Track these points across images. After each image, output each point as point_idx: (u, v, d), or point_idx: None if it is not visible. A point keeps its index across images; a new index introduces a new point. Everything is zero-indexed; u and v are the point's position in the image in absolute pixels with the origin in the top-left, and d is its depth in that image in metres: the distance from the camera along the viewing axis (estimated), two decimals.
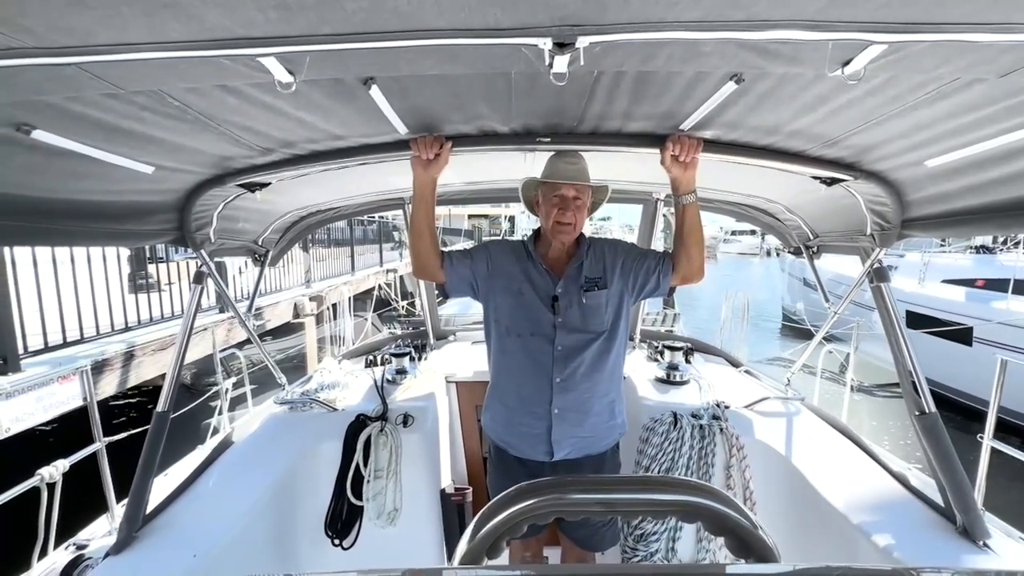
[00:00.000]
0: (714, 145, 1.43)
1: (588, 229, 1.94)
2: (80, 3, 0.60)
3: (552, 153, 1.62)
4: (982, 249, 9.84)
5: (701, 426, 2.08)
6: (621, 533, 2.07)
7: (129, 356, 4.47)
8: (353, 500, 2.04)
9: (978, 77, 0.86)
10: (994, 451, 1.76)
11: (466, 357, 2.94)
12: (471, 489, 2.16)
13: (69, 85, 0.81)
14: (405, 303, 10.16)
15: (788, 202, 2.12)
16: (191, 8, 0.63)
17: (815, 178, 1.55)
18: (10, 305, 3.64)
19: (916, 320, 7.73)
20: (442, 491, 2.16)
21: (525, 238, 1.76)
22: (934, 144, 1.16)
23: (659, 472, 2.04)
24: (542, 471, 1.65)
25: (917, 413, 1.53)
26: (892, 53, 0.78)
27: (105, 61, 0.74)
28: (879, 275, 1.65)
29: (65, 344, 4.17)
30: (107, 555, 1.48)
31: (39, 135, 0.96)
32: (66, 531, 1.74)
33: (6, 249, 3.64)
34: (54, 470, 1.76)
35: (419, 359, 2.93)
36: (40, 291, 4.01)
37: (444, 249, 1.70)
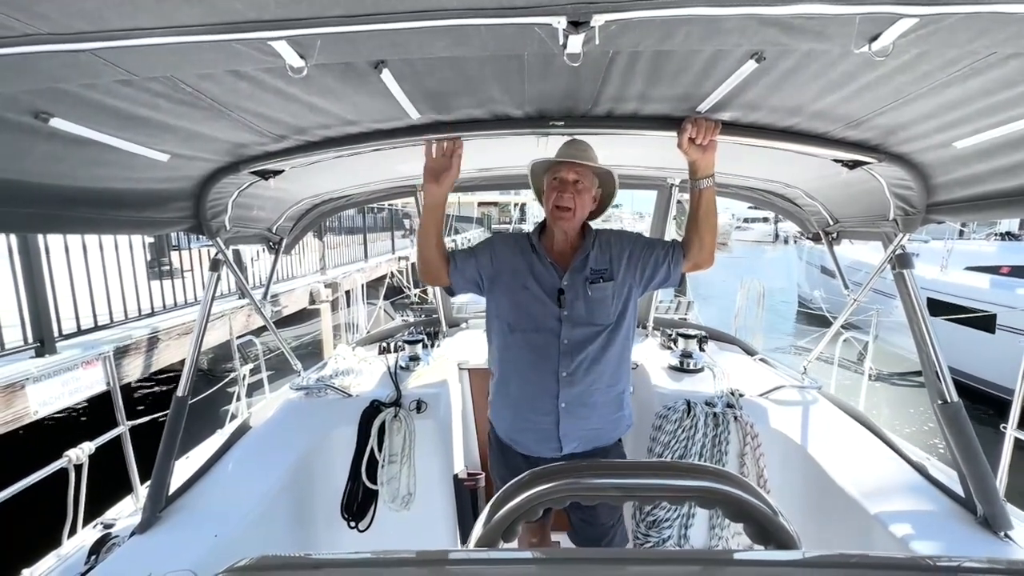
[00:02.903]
0: (733, 127, 1.39)
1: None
2: None
3: (565, 141, 1.59)
4: (1007, 236, 9.54)
5: (715, 414, 2.06)
6: (633, 520, 2.08)
7: (153, 341, 4.60)
8: (368, 484, 2.08)
9: (1015, 52, 0.82)
10: (1018, 442, 1.72)
11: (478, 345, 2.95)
12: (484, 475, 2.19)
13: (84, 72, 0.82)
14: (417, 291, 10.22)
15: (808, 187, 2.07)
16: None
17: (837, 161, 1.50)
18: (46, 290, 3.78)
19: (937, 307, 7.56)
20: (455, 476, 2.19)
21: (530, 230, 1.74)
22: (964, 124, 1.11)
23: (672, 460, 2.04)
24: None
25: (939, 402, 1.50)
26: (923, 27, 0.74)
27: (118, 47, 0.74)
28: (902, 261, 1.60)
29: (96, 328, 4.31)
30: (133, 534, 1.53)
31: (57, 123, 0.97)
32: (93, 511, 1.81)
33: (40, 236, 3.76)
34: (80, 452, 1.83)
35: (432, 346, 2.95)
36: (72, 277, 4.15)
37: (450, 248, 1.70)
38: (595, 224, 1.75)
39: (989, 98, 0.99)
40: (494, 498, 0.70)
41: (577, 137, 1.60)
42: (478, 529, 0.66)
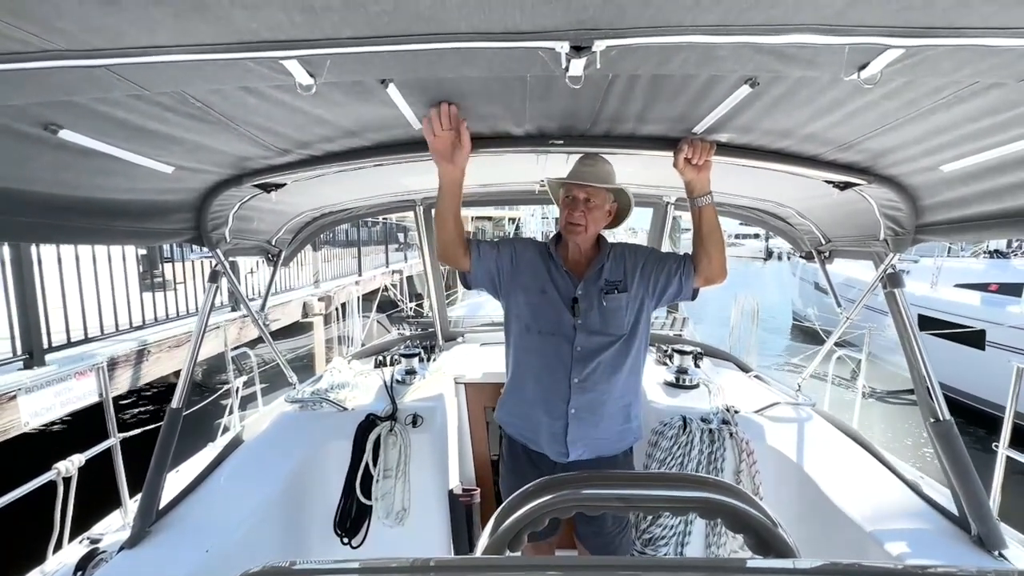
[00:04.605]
0: (727, 148, 1.43)
1: None
2: (112, 4, 0.61)
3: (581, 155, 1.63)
4: (996, 254, 9.72)
5: (710, 430, 2.07)
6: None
7: (146, 353, 4.55)
8: (362, 499, 2.06)
9: (996, 81, 0.86)
10: (1010, 460, 1.74)
11: (475, 359, 2.95)
12: (479, 490, 2.17)
13: (98, 86, 0.83)
14: (413, 304, 10.20)
15: (800, 206, 2.11)
16: (219, 10, 0.64)
17: (828, 182, 1.54)
18: (37, 302, 3.75)
19: (928, 324, 7.65)
20: (450, 492, 2.17)
21: (548, 239, 1.77)
22: (950, 149, 1.15)
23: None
24: (555, 472, 1.65)
25: (931, 420, 1.52)
26: (909, 57, 0.77)
27: (133, 63, 0.76)
28: (893, 280, 1.63)
29: (86, 340, 4.27)
30: (121, 549, 1.50)
31: (65, 134, 0.98)
32: (80, 525, 1.77)
33: (33, 248, 3.73)
34: (70, 464, 1.79)
35: (428, 360, 2.94)
36: (64, 288, 4.12)
37: (473, 238, 1.68)
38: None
39: (973, 124, 1.02)
40: (499, 508, 0.70)
41: (573, 153, 1.62)
42: (484, 539, 0.67)
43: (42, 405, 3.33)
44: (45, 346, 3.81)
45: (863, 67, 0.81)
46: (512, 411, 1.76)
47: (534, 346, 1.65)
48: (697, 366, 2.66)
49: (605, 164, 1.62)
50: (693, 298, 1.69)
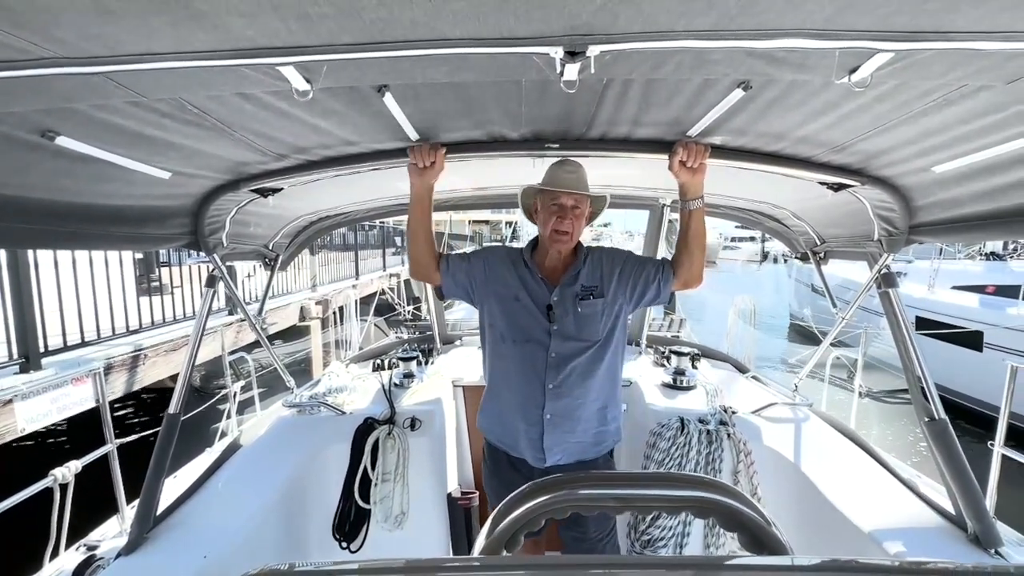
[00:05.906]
0: (722, 151, 1.44)
1: (588, 235, 1.95)
2: (110, 13, 0.62)
3: (552, 161, 1.63)
4: (992, 256, 9.77)
5: (708, 431, 2.07)
6: (628, 538, 2.06)
7: (142, 357, 4.53)
8: (361, 503, 2.06)
9: (985, 84, 0.87)
10: (1006, 459, 1.75)
11: (473, 362, 2.95)
12: (478, 493, 2.17)
13: (96, 93, 0.84)
14: (411, 307, 10.20)
15: (795, 208, 2.13)
16: (216, 18, 0.64)
17: (822, 184, 1.55)
18: (33, 306, 3.74)
19: (926, 326, 7.68)
20: (449, 495, 2.17)
21: (523, 246, 1.76)
22: (942, 150, 1.17)
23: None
24: (535, 475, 1.65)
25: (926, 419, 1.53)
26: (898, 61, 0.79)
27: (131, 70, 0.77)
28: (887, 280, 1.64)
29: (83, 344, 4.25)
30: (118, 556, 1.49)
31: (63, 141, 0.98)
32: (77, 532, 1.76)
33: (30, 252, 3.72)
34: (67, 471, 1.78)
35: (426, 363, 2.94)
36: (60, 292, 4.11)
37: (444, 252, 1.71)
38: (585, 243, 1.77)
39: (964, 126, 1.04)
40: (496, 509, 0.71)
41: (568, 157, 1.62)
42: (480, 540, 0.67)
43: (39, 411, 3.31)
44: (41, 350, 3.79)
45: (854, 70, 0.82)
46: (491, 418, 1.76)
47: (508, 354, 1.64)
48: (694, 367, 2.67)
49: (582, 169, 1.62)
50: (669, 302, 1.69)
